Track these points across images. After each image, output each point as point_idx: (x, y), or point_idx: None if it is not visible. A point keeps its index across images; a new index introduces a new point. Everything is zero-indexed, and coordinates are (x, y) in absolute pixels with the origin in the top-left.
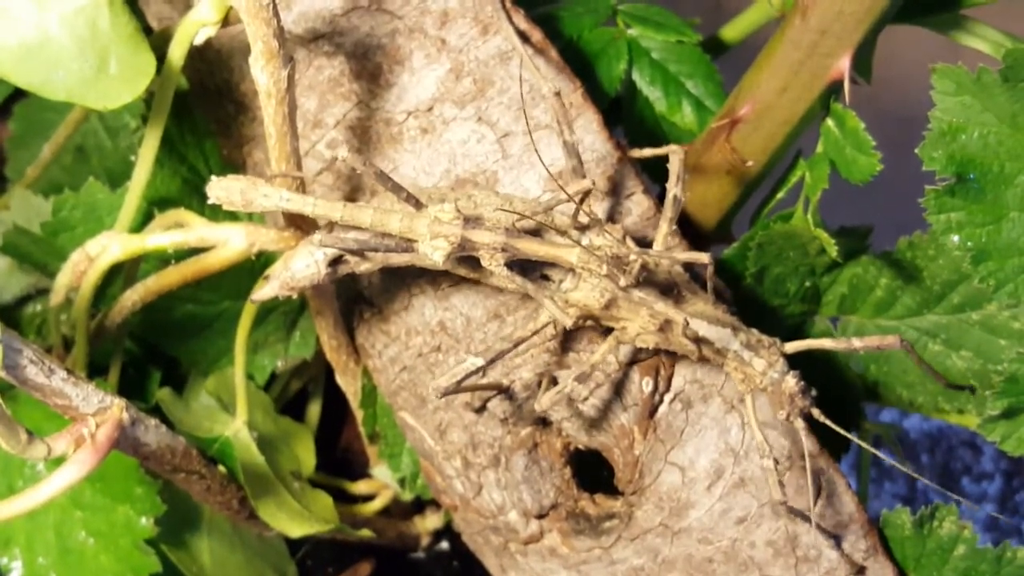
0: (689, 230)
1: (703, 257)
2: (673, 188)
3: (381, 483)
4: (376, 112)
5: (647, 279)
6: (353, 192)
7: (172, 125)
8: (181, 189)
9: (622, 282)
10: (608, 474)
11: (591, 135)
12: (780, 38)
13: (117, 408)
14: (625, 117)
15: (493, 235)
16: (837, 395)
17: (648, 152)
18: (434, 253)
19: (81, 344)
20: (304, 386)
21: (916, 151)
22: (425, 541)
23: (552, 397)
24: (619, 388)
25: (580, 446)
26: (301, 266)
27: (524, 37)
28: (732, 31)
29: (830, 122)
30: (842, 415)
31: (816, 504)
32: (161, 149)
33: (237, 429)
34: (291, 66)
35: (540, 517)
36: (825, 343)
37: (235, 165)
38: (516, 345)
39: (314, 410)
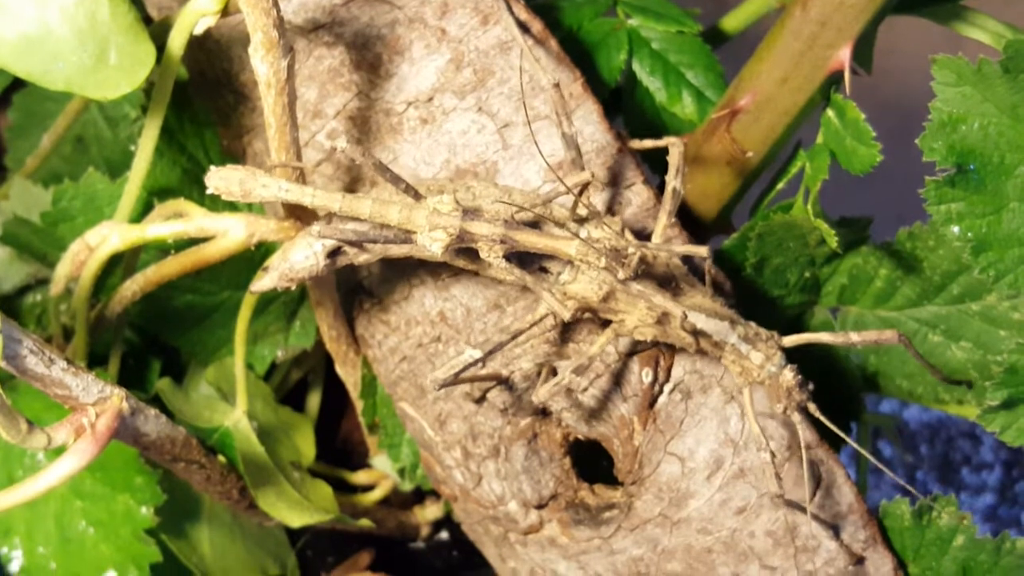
0: (689, 220)
1: (702, 251)
2: (672, 181)
3: (381, 473)
4: (376, 102)
5: (645, 272)
6: (353, 182)
7: (172, 115)
8: (181, 179)
9: (621, 275)
10: (608, 464)
11: (591, 125)
12: (781, 29)
13: (117, 398)
14: (625, 107)
15: (492, 227)
16: (837, 386)
17: (648, 143)
18: (433, 245)
19: (81, 334)
20: (304, 376)
21: (916, 142)
22: (425, 531)
23: (550, 389)
24: (619, 378)
25: (580, 436)
26: (300, 257)
27: (524, 27)
28: (732, 21)
29: (830, 113)
30: (842, 406)
31: (815, 494)
32: (161, 139)
33: (237, 419)
34: (291, 56)
35: (540, 507)
36: (823, 337)
37: (235, 155)
38: (514, 337)
39: (314, 400)
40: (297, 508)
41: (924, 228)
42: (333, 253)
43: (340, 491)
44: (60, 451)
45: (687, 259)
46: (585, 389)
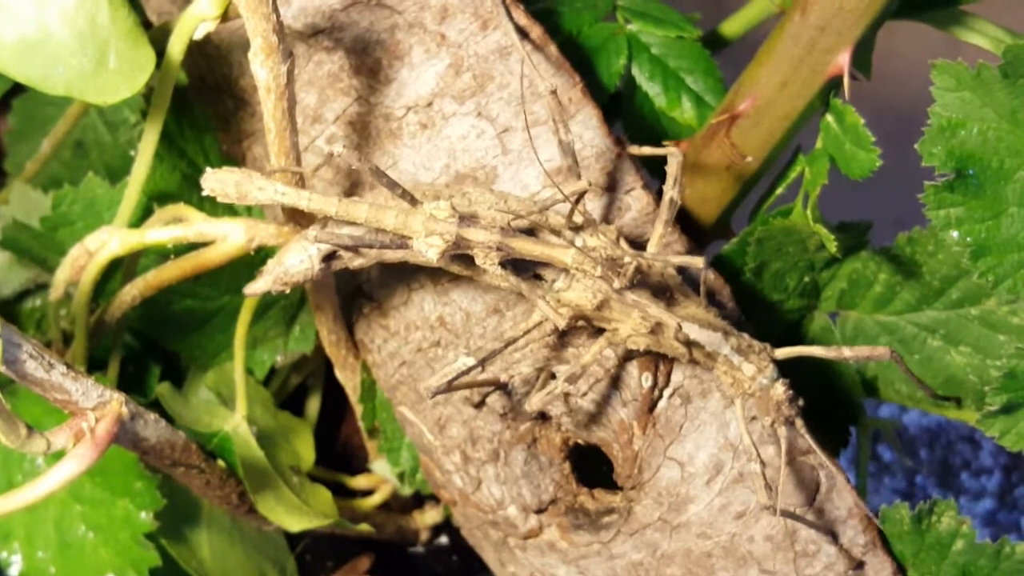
0: (689, 225)
1: (698, 262)
2: (670, 191)
3: (380, 478)
4: (375, 107)
5: (640, 281)
6: (352, 187)
7: (171, 120)
8: (180, 184)
9: (616, 284)
10: (607, 469)
11: (591, 130)
12: (780, 34)
13: (116, 403)
14: (624, 112)
15: (488, 234)
16: (836, 390)
17: (647, 150)
18: (428, 251)
19: (80, 339)
20: (303, 381)
21: (915, 147)
22: (424, 536)
23: (543, 398)
24: (618, 383)
25: (579, 441)
26: (295, 261)
27: (524, 33)
28: (732, 26)
29: (829, 118)
30: (841, 410)
31: (815, 499)
32: (160, 144)
33: (236, 424)
34: (290, 61)
35: (539, 512)
36: (816, 351)
37: (234, 160)
38: (507, 345)
39: (313, 405)
40: (296, 512)
41: (923, 233)
42: (328, 257)
43: (339, 495)
44: (59, 456)
45: (682, 268)
46: (584, 394)
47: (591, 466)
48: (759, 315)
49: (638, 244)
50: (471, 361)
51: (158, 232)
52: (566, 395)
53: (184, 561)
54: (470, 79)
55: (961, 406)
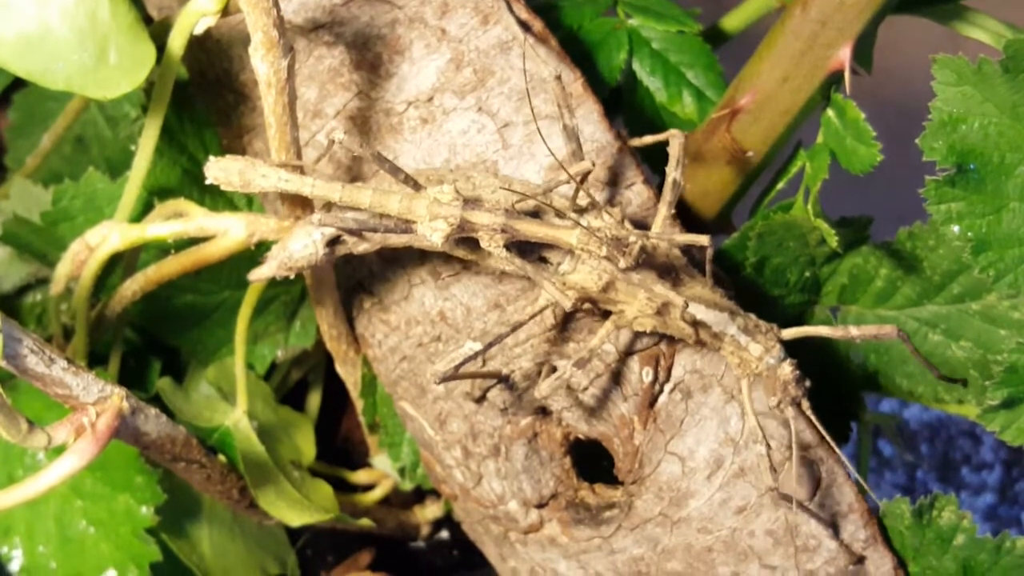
0: (689, 220)
1: (702, 239)
2: (673, 172)
3: (381, 472)
4: (376, 102)
5: (645, 262)
6: (352, 181)
7: (172, 115)
8: (181, 179)
9: (621, 264)
10: (608, 464)
11: (591, 125)
12: (781, 28)
13: (117, 397)
14: (625, 107)
15: (492, 216)
16: (837, 385)
17: (649, 139)
18: (433, 234)
19: (81, 334)
20: (304, 376)
21: (916, 141)
22: (425, 530)
23: (551, 384)
24: (619, 378)
25: (580, 436)
26: (299, 246)
27: (525, 27)
28: (733, 21)
29: (830, 112)
30: (842, 405)
31: (815, 494)
32: (161, 139)
33: (237, 419)
34: (291, 56)
35: (540, 507)
36: (822, 330)
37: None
38: (514, 329)
39: (314, 400)
40: (297, 507)
41: (924, 228)
42: (332, 242)
43: (340, 490)
44: (60, 450)
45: (686, 250)
46: (585, 388)
47: (592, 461)
48: (760, 310)
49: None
50: (478, 346)
51: (159, 227)
52: (568, 388)
53: (185, 556)
54: (471, 74)
55: (967, 387)
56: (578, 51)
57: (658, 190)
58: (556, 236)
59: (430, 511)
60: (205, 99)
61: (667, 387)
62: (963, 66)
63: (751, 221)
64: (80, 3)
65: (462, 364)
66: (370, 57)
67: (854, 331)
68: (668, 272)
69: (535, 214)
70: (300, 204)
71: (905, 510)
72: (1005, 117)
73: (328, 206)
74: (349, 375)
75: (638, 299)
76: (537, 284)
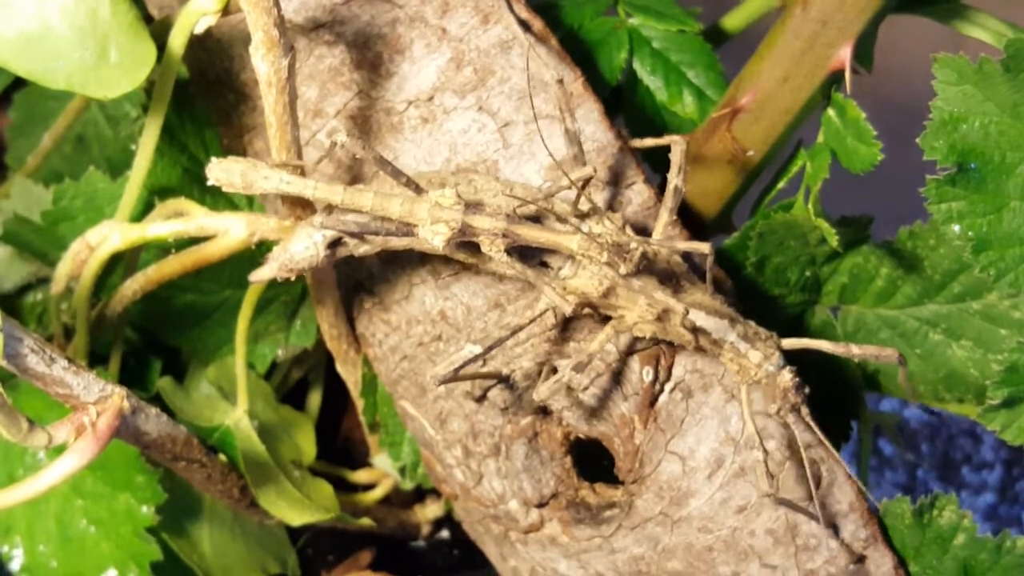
0: (690, 219)
1: (703, 247)
2: (674, 179)
3: (381, 472)
4: (377, 101)
5: (646, 268)
6: (353, 182)
7: (172, 114)
8: (182, 178)
9: (622, 270)
10: (608, 463)
11: (592, 124)
12: (781, 28)
13: (118, 397)
14: (626, 107)
15: (494, 220)
16: (837, 384)
17: (650, 142)
18: (434, 238)
19: (82, 333)
20: (305, 375)
21: (917, 141)
22: (425, 530)
23: (550, 387)
24: (619, 377)
25: (580, 435)
26: (300, 248)
27: (525, 26)
28: (733, 20)
29: (831, 112)
30: (842, 404)
31: (816, 493)
32: (162, 138)
33: (238, 418)
34: (291, 55)
35: (540, 506)
36: (823, 344)
37: (236, 154)
38: (513, 333)
39: (315, 399)
40: (298, 507)
41: (925, 227)
42: (333, 244)
43: (341, 490)
44: (61, 450)
45: (687, 257)
46: (586, 388)
47: (592, 461)
48: (760, 309)
49: (641, 236)
50: (477, 349)
51: (159, 226)
52: (568, 388)
53: (185, 555)
54: (471, 73)
55: (962, 401)
56: (578, 50)
57: (659, 190)
58: (557, 241)
59: (431, 510)
60: (206, 98)
61: (668, 386)
62: (964, 65)
63: (752, 220)
64: (80, 2)
65: (462, 367)
66: (371, 56)
67: (855, 349)
68: (669, 278)
69: (536, 219)
70: (301, 204)
71: (905, 509)
72: (1006, 116)
73: (329, 208)
74: (350, 374)
75: (638, 305)
76: (538, 289)
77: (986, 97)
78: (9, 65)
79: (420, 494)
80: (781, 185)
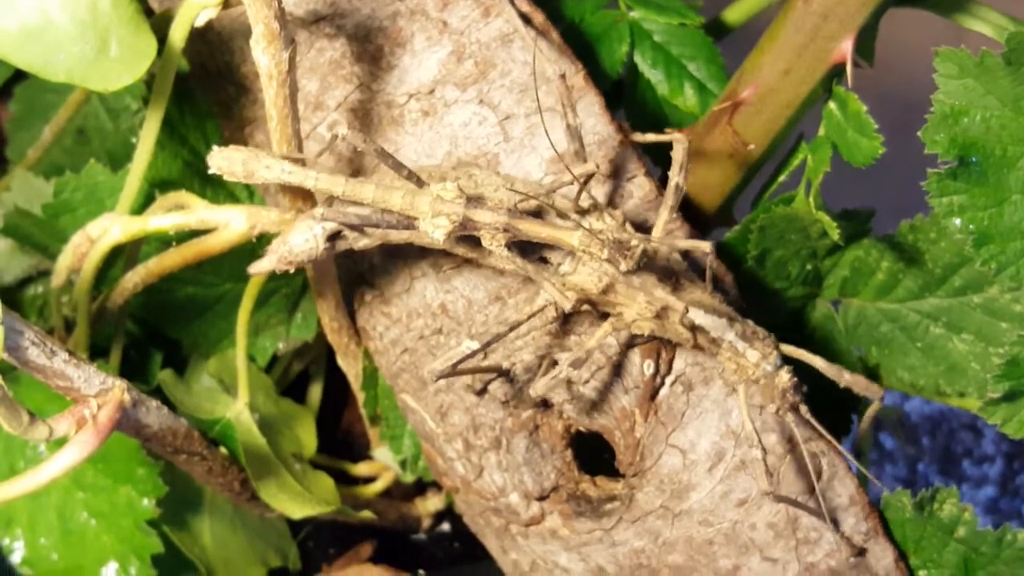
0: (691, 213)
1: (704, 246)
2: (675, 177)
3: (382, 465)
4: (377, 94)
5: (646, 266)
6: (355, 174)
7: (173, 107)
8: (182, 171)
9: (623, 267)
10: (609, 456)
11: (593, 118)
12: (783, 21)
13: (119, 390)
14: (627, 100)
15: (495, 215)
16: None
17: (652, 138)
18: (435, 231)
19: (82, 326)
20: (305, 368)
21: (918, 134)
22: (426, 523)
23: (547, 383)
24: (620, 370)
25: (581, 428)
26: (300, 240)
27: (526, 19)
28: (734, 14)
29: (832, 105)
30: (843, 398)
31: (816, 487)
32: (162, 131)
33: (238, 411)
34: (292, 48)
35: (541, 499)
36: (817, 362)
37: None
38: (511, 328)
39: (315, 392)
40: (299, 500)
41: (926, 220)
42: (333, 237)
43: (341, 483)
44: (62, 442)
45: (687, 254)
46: (586, 381)
47: (593, 454)
48: (761, 303)
49: (641, 230)
50: (475, 345)
51: (160, 219)
52: (568, 382)
53: (186, 548)
54: (472, 66)
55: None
56: (580, 44)
57: (660, 183)
58: (558, 237)
59: (431, 503)
60: (206, 91)
61: (668, 380)
62: (965, 59)
63: (753, 214)
64: None
65: (460, 362)
66: (371, 49)
67: (847, 376)
68: (668, 276)
69: (537, 214)
70: (302, 196)
71: (906, 503)
72: (1007, 110)
73: (330, 200)
74: (350, 367)
75: (637, 302)
76: (537, 284)
77: (987, 91)
78: (10, 58)
79: (421, 487)
80: (782, 178)
